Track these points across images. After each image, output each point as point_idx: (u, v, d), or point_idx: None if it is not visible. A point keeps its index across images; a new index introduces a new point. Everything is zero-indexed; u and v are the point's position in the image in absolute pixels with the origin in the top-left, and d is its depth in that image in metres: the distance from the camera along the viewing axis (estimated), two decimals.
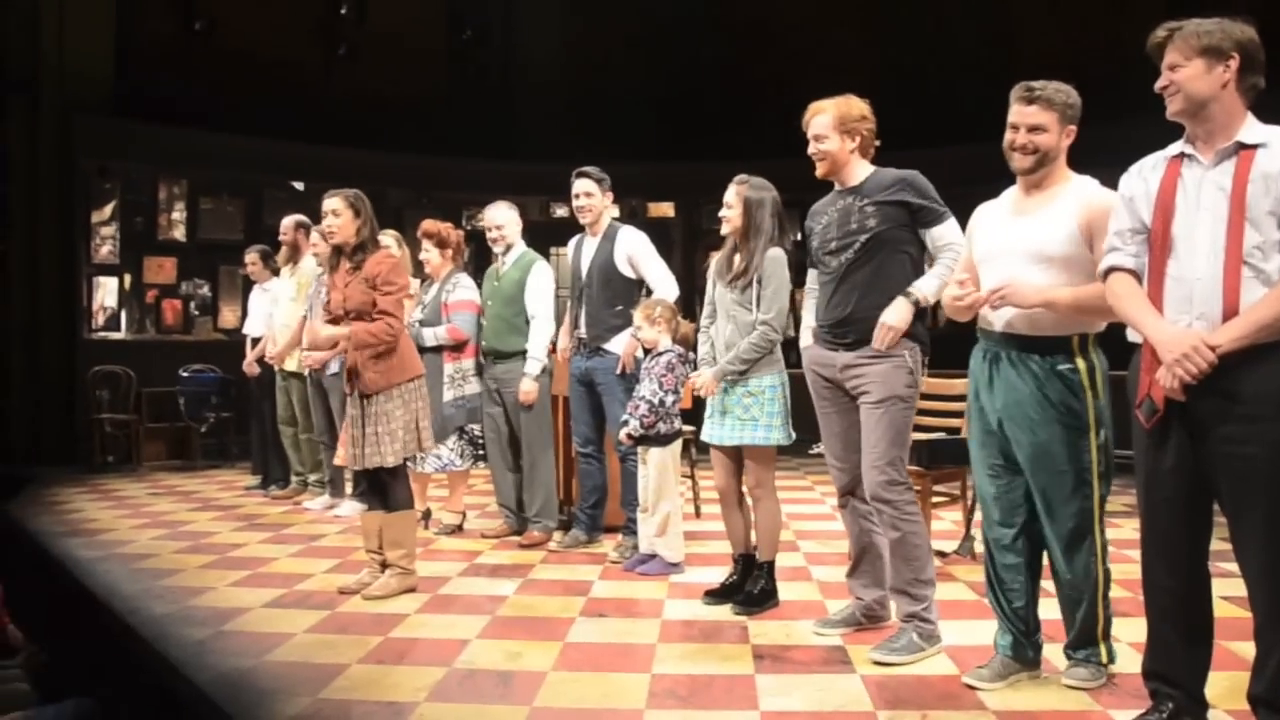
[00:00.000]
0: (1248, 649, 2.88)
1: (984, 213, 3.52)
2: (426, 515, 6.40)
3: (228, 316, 11.19)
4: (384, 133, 11.51)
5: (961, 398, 5.25)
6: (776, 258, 4.41)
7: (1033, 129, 3.27)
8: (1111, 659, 3.41)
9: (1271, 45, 2.81)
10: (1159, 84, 2.81)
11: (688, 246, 12.53)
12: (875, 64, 11.40)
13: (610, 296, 5.51)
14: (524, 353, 5.77)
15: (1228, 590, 3.48)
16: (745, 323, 4.40)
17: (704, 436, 4.61)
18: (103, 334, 10.46)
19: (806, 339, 4.12)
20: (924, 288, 3.77)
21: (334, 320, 4.86)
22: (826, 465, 4.18)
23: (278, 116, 10.81)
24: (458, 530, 6.30)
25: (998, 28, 11.52)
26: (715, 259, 4.67)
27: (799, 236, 4.88)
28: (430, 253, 6.19)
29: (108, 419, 9.93)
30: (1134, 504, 3.00)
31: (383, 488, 4.84)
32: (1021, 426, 3.31)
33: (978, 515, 3.74)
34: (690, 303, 5.23)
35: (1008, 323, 3.32)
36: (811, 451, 4.75)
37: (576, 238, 5.79)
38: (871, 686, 3.49)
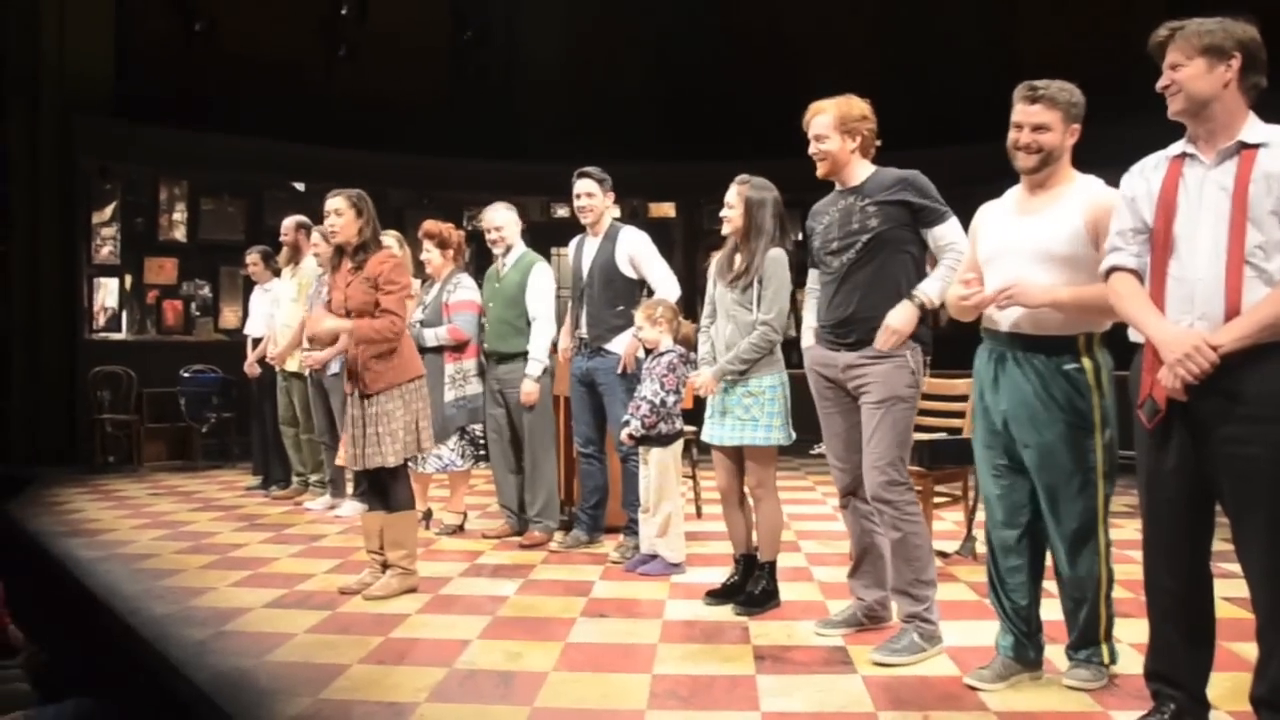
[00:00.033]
0: (1250, 650, 2.87)
1: (988, 212, 3.51)
2: (427, 516, 6.39)
3: (229, 317, 11.20)
4: (385, 133, 11.51)
5: (963, 398, 5.28)
6: (777, 258, 4.40)
7: (1037, 128, 3.26)
8: (1113, 659, 3.41)
9: (1273, 44, 2.80)
10: (1160, 83, 2.81)
11: (689, 247, 12.52)
12: (877, 63, 11.41)
13: (611, 297, 5.50)
14: (526, 354, 5.77)
15: (1230, 591, 3.48)
16: (745, 323, 4.39)
17: (704, 437, 4.61)
18: (103, 334, 10.46)
19: (808, 339, 4.11)
20: (928, 291, 3.76)
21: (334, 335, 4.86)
22: (828, 465, 4.17)
23: (278, 117, 10.81)
24: (459, 530, 6.30)
25: (999, 27, 11.52)
26: (716, 258, 4.65)
27: (800, 236, 4.88)
28: (431, 253, 6.19)
29: (108, 419, 9.93)
30: (1135, 505, 2.99)
31: (384, 488, 4.83)
32: (1027, 426, 3.30)
33: (979, 516, 3.74)
34: (691, 303, 5.24)
35: (1014, 323, 3.31)
36: (813, 452, 4.74)
37: (577, 238, 5.79)
38: (873, 687, 3.48)
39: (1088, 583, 3.32)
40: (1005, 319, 3.32)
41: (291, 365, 7.32)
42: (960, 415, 5.32)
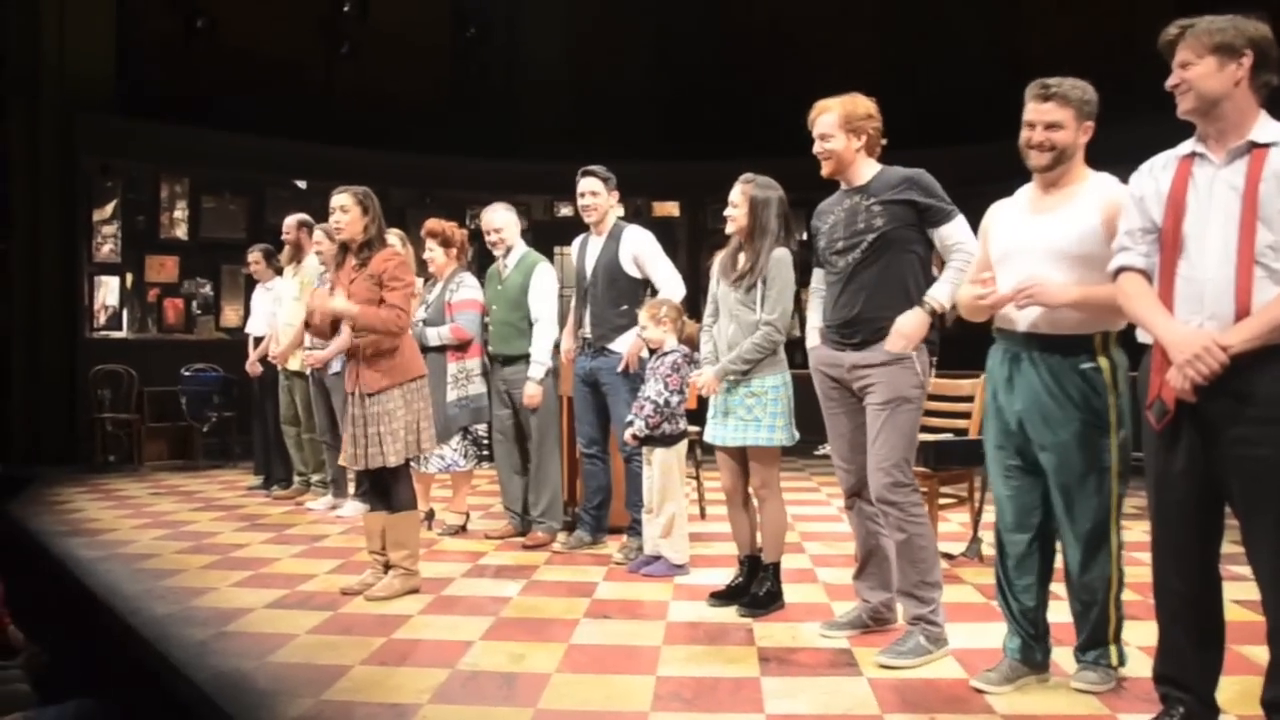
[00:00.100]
0: (1260, 653, 2.85)
1: (1000, 211, 3.48)
2: (430, 516, 6.37)
3: (230, 316, 11.19)
4: (387, 131, 11.50)
5: (969, 398, 5.25)
6: (781, 258, 4.38)
7: (1049, 126, 3.24)
8: (1122, 661, 3.38)
9: None
10: (1170, 82, 2.79)
11: (693, 246, 12.49)
12: (882, 62, 11.39)
13: (615, 296, 5.48)
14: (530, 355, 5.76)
15: (1240, 594, 3.46)
16: (748, 322, 4.37)
17: (707, 437, 4.59)
18: (104, 333, 10.45)
19: (813, 339, 4.09)
20: (938, 296, 3.73)
21: (335, 320, 4.84)
22: (833, 466, 4.16)
23: (280, 115, 10.80)
24: (461, 531, 6.28)
25: (1006, 26, 11.50)
26: (719, 257, 4.63)
27: (805, 236, 4.86)
28: (435, 252, 6.17)
29: (109, 418, 9.92)
30: (1144, 506, 2.97)
31: (386, 488, 4.81)
32: (1043, 426, 3.28)
33: (985, 517, 3.72)
34: (695, 303, 5.22)
35: (1032, 323, 3.28)
36: (817, 453, 4.71)
37: (581, 237, 5.76)
38: (878, 690, 3.46)
39: (1099, 583, 3.30)
40: (1023, 319, 3.29)
41: (293, 364, 7.30)
42: (966, 416, 5.29)
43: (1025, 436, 3.34)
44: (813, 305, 4.14)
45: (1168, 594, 2.89)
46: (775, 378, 4.38)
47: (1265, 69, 2.71)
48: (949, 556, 5.20)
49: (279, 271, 7.83)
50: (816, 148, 3.92)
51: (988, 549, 5.12)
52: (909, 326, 3.69)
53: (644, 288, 5.58)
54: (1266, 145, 2.67)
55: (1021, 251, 3.31)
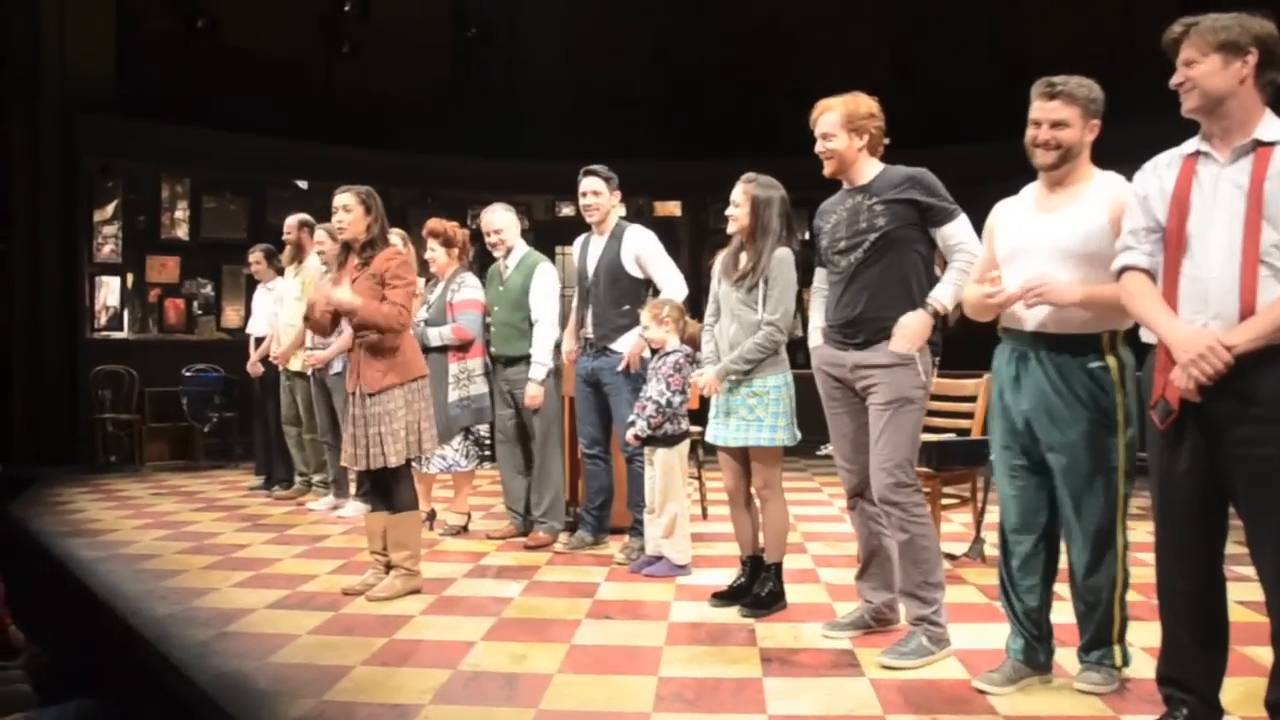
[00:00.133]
0: (1264, 654, 2.84)
1: (1005, 210, 3.47)
2: (431, 516, 6.36)
3: (231, 316, 11.19)
4: (388, 131, 11.50)
5: (971, 398, 5.24)
6: (783, 258, 4.37)
7: (1055, 124, 3.22)
8: (1126, 662, 3.37)
9: None
10: (1174, 80, 2.77)
11: (695, 246, 12.47)
12: (884, 62, 11.39)
13: (617, 296, 5.47)
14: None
15: (1244, 595, 3.44)
16: (750, 322, 4.36)
17: (708, 437, 4.58)
18: (105, 333, 10.45)
19: (816, 339, 4.08)
20: (941, 297, 3.72)
21: (336, 317, 4.84)
22: (835, 467, 4.15)
23: (281, 115, 10.80)
24: (463, 531, 6.27)
25: (1007, 26, 11.49)
26: (720, 256, 4.61)
27: (807, 235, 4.85)
28: (436, 252, 6.15)
29: (110, 419, 9.92)
30: (1148, 506, 2.97)
31: (387, 488, 4.81)
32: (1051, 426, 3.27)
33: (988, 518, 3.71)
34: (697, 302, 5.20)
35: (1040, 322, 3.27)
36: (819, 453, 4.71)
37: (582, 236, 5.75)
38: (881, 690, 3.46)
39: (1104, 584, 3.29)
40: (1031, 318, 3.28)
41: (295, 364, 7.30)
42: (969, 416, 5.28)
43: (1032, 436, 3.33)
44: (815, 305, 4.13)
45: (1171, 594, 2.88)
46: (777, 378, 4.38)
47: (1270, 67, 2.69)
48: (951, 557, 5.19)
49: (280, 272, 7.82)
50: (818, 147, 3.91)
51: (990, 550, 5.12)
52: (912, 328, 3.68)
53: (646, 287, 5.56)
54: (1271, 143, 2.66)
55: (1028, 250, 3.30)
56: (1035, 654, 3.44)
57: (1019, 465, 3.40)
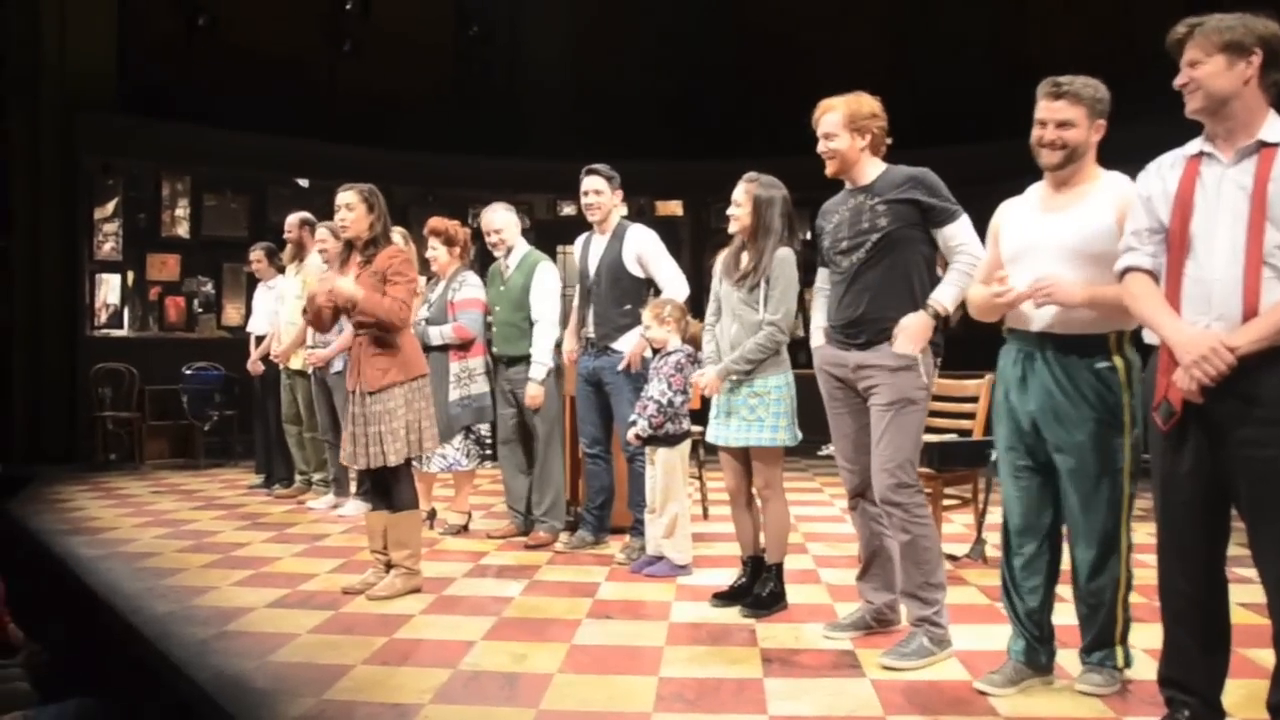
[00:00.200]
0: (1266, 656, 2.84)
1: (1010, 210, 3.46)
2: (432, 515, 6.36)
3: (231, 314, 11.18)
4: (389, 130, 11.49)
5: (973, 399, 5.23)
6: (785, 258, 4.36)
7: (1061, 124, 3.22)
8: (1128, 663, 3.37)
9: None
10: (1178, 81, 2.77)
11: (696, 245, 12.47)
12: (885, 61, 11.38)
13: (619, 295, 5.47)
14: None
15: (1246, 597, 3.43)
16: (752, 322, 4.35)
17: (709, 437, 4.57)
18: (105, 331, 10.45)
19: (818, 339, 4.07)
20: (942, 299, 3.72)
21: (335, 313, 4.84)
22: (836, 467, 4.14)
23: (282, 113, 10.79)
24: (463, 530, 6.27)
25: (1008, 26, 11.48)
26: (721, 256, 4.61)
27: (808, 235, 4.84)
28: (438, 250, 6.14)
29: (110, 417, 9.92)
30: (1150, 508, 2.96)
31: (387, 487, 4.80)
32: (1058, 426, 3.26)
33: (990, 519, 3.70)
34: (699, 302, 5.19)
35: (1047, 323, 3.26)
36: (821, 453, 4.70)
37: (584, 236, 5.74)
38: (882, 691, 3.45)
39: (1108, 585, 3.29)
40: (1038, 318, 3.27)
41: (295, 363, 7.30)
42: (971, 417, 5.27)
43: (1038, 437, 3.33)
44: (817, 305, 4.12)
45: (1173, 596, 2.87)
46: (778, 378, 4.37)
47: (1275, 68, 2.68)
48: (953, 558, 5.19)
49: (281, 270, 7.82)
50: (820, 147, 3.90)
51: (992, 550, 5.12)
52: (912, 329, 3.67)
53: (647, 287, 5.56)
54: (1275, 145, 2.65)
55: (1034, 250, 3.29)
56: (1037, 655, 3.44)
57: (1023, 466, 3.39)
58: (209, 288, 11.19)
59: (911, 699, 3.38)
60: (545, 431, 5.83)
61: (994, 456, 3.58)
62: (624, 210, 5.70)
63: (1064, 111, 3.21)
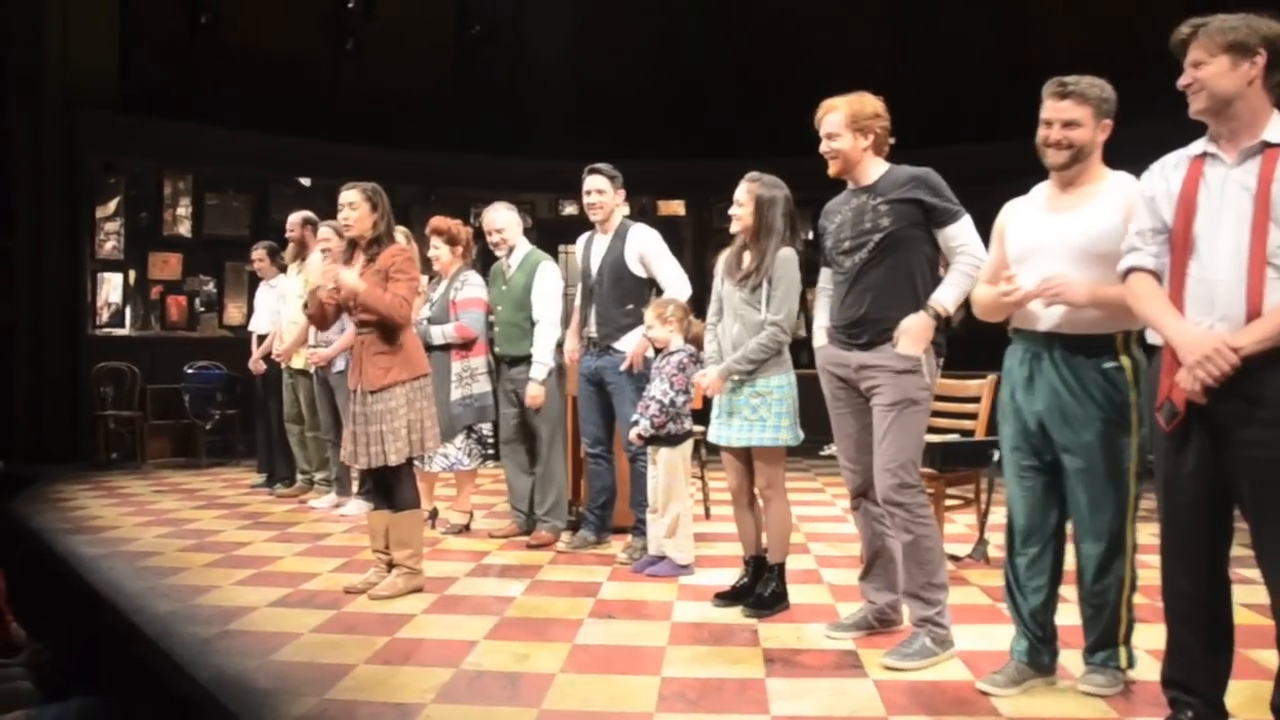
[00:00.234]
0: (1269, 658, 2.84)
1: (1016, 210, 3.46)
2: (433, 515, 6.36)
3: (233, 313, 11.17)
4: (391, 129, 11.49)
5: (975, 399, 5.23)
6: (787, 258, 4.36)
7: (1067, 124, 3.21)
8: (1131, 664, 3.36)
9: None
10: (1182, 81, 2.76)
11: (698, 245, 12.45)
12: (886, 61, 11.37)
13: (621, 295, 5.46)
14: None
15: (1249, 597, 3.43)
16: (753, 322, 4.35)
17: (711, 437, 4.57)
18: (107, 330, 10.44)
19: (820, 339, 4.07)
20: (943, 299, 3.71)
21: (336, 309, 4.84)
22: (838, 467, 4.14)
23: (284, 112, 10.79)
24: (465, 530, 6.27)
25: (1010, 26, 11.47)
26: (723, 256, 4.60)
27: (811, 235, 4.83)
28: (440, 249, 6.14)
29: (112, 416, 9.92)
30: (1153, 508, 2.96)
31: (389, 487, 4.80)
32: (1065, 426, 3.26)
33: (992, 519, 3.70)
34: (701, 302, 5.19)
35: (1055, 323, 3.26)
36: (823, 453, 4.69)
37: (586, 235, 5.74)
38: (884, 691, 3.45)
39: (1113, 585, 3.29)
40: (1045, 318, 3.27)
41: (297, 362, 7.30)
42: (973, 417, 5.27)
43: (1045, 437, 3.32)
44: (820, 305, 4.12)
45: (1176, 597, 2.87)
46: (780, 378, 4.37)
47: (1279, 68, 2.68)
48: (955, 558, 5.17)
49: (283, 269, 7.82)
50: (823, 147, 3.90)
51: (994, 551, 5.12)
52: (914, 330, 3.66)
53: (649, 287, 5.55)
54: (1279, 145, 2.64)
55: (1041, 250, 3.28)
56: (1039, 656, 3.43)
57: (1029, 466, 3.39)
58: (211, 287, 11.18)
59: (914, 699, 3.38)
60: (547, 431, 5.83)
61: (996, 457, 3.58)
62: (626, 210, 5.69)
63: (1070, 111, 3.21)
